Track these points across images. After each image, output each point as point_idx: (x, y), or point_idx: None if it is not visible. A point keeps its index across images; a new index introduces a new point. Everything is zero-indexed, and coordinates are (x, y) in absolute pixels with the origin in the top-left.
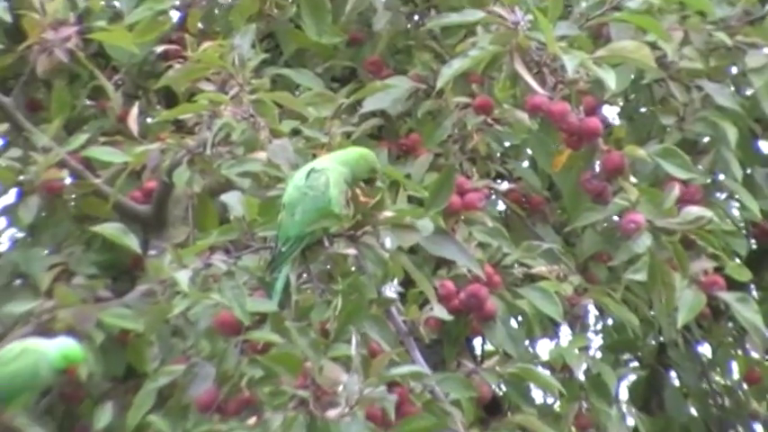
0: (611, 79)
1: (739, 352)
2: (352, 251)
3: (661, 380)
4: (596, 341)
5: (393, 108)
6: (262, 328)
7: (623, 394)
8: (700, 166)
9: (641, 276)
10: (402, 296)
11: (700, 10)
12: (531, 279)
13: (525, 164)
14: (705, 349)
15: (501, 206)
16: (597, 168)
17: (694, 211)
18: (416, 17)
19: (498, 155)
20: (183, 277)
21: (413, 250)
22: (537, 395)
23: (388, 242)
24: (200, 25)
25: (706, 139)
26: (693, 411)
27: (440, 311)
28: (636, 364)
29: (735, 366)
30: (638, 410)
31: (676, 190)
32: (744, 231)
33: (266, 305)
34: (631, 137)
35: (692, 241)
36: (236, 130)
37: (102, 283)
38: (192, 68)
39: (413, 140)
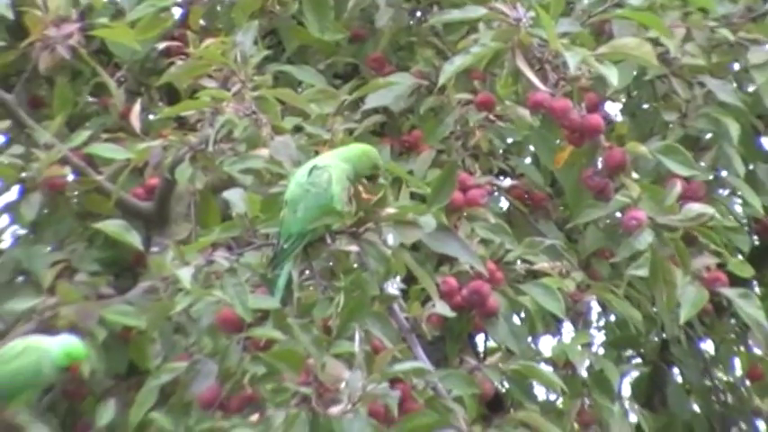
0: (613, 76)
1: (742, 348)
2: (354, 248)
3: (664, 376)
4: (599, 338)
5: (395, 105)
6: (264, 325)
7: (626, 391)
8: (702, 163)
9: (643, 272)
10: (404, 293)
11: (702, 7)
12: (534, 275)
13: (528, 160)
14: (708, 346)
15: (504, 203)
16: (599, 165)
17: (696, 208)
18: (419, 14)
19: (501, 151)
20: (185, 274)
21: (415, 247)
22: (539, 392)
23: (390, 239)
24: (202, 22)
25: (708, 136)
26: (696, 408)
27: (442, 308)
28: (638, 360)
29: (737, 363)
30: (640, 407)
31: (678, 187)
32: (746, 228)
33: (268, 302)
34: (634, 133)
35: (695, 238)
36: (238, 127)
37: (104, 280)
38: (194, 65)
39: (415, 137)
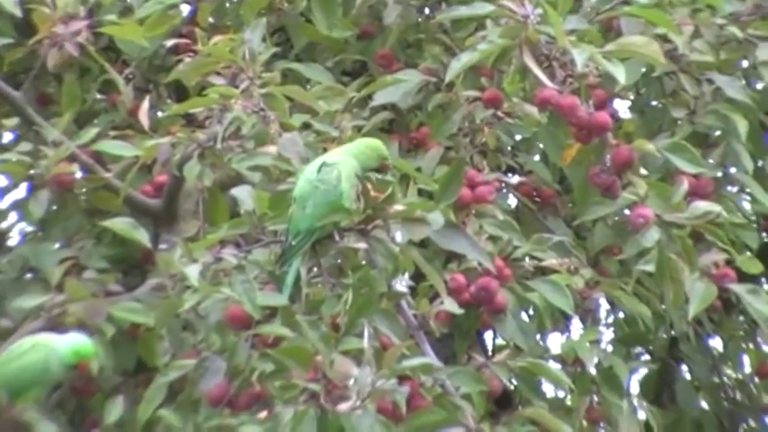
0: (620, 73)
1: (750, 345)
2: (362, 245)
3: (672, 373)
4: (607, 335)
5: (403, 101)
6: (272, 322)
7: (634, 388)
8: (710, 160)
9: (651, 267)
10: (412, 290)
11: (710, 4)
12: (542, 272)
13: (536, 157)
14: (716, 343)
15: (512, 200)
16: (607, 162)
17: (703, 205)
18: (427, 10)
19: (509, 148)
20: (193, 271)
21: (423, 244)
22: (548, 389)
23: (398, 236)
24: (210, 19)
25: (717, 133)
26: (705, 405)
27: (450, 305)
28: (647, 357)
29: (746, 360)
30: (649, 404)
31: (685, 184)
32: (754, 224)
33: (277, 299)
34: (642, 130)
35: (703, 234)
36: (246, 124)
37: (112, 278)
38: (202, 62)
39: (423, 134)
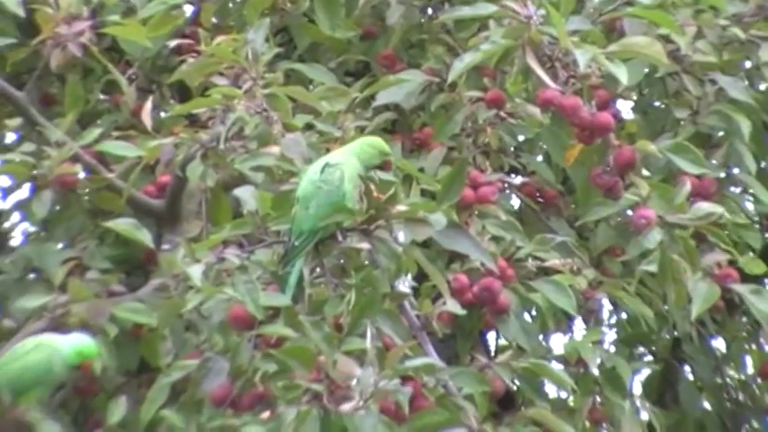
0: (622, 74)
1: (753, 346)
2: (365, 245)
3: (675, 374)
4: (610, 335)
5: (406, 102)
6: (275, 323)
7: (637, 389)
8: (713, 160)
9: (654, 268)
10: (415, 290)
11: (713, 5)
12: (545, 272)
13: (539, 158)
14: (719, 343)
15: (515, 200)
16: (610, 163)
17: (705, 206)
18: (430, 11)
19: (512, 149)
20: (196, 272)
21: (426, 244)
22: (551, 389)
23: (401, 236)
24: (213, 19)
25: (720, 133)
26: (707, 405)
27: (453, 305)
28: (650, 358)
29: (749, 361)
30: (652, 405)
31: (687, 185)
32: (758, 225)
33: (279, 299)
34: (645, 130)
35: (706, 235)
36: (249, 125)
37: (115, 278)
38: (205, 63)
39: (426, 134)
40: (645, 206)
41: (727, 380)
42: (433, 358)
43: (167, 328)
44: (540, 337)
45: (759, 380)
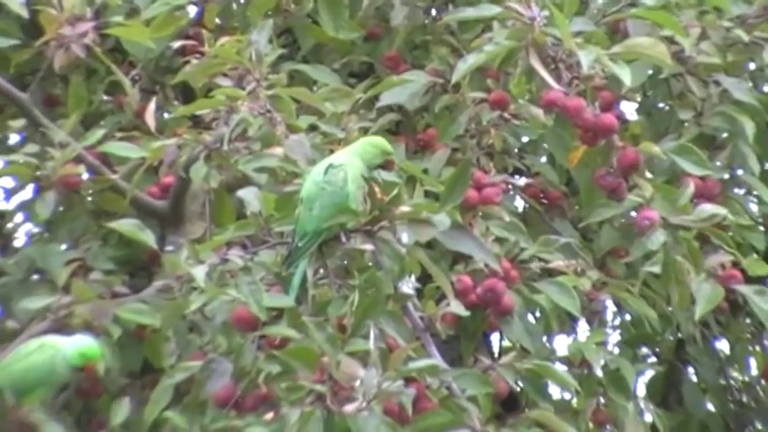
0: (625, 75)
1: (757, 348)
2: (368, 246)
3: (679, 375)
4: (614, 337)
5: (410, 103)
6: (278, 324)
7: (641, 390)
8: (717, 162)
9: (657, 269)
10: (419, 291)
11: (716, 6)
12: (549, 274)
13: (543, 159)
14: (723, 345)
15: (519, 201)
16: (614, 164)
17: (708, 208)
18: (434, 12)
19: (516, 150)
20: (199, 273)
21: (430, 245)
22: (554, 391)
23: (404, 237)
24: (217, 20)
25: (724, 135)
26: (711, 407)
27: (457, 307)
28: (654, 359)
29: (753, 362)
30: (655, 406)
31: (691, 187)
32: (761, 226)
33: (283, 300)
34: (649, 132)
35: (710, 236)
36: (252, 126)
37: (119, 279)
38: (209, 64)
39: (430, 135)
40: (648, 207)
41: (731, 381)
42: (437, 359)
43: (171, 330)
44: (544, 338)
45: (763, 381)
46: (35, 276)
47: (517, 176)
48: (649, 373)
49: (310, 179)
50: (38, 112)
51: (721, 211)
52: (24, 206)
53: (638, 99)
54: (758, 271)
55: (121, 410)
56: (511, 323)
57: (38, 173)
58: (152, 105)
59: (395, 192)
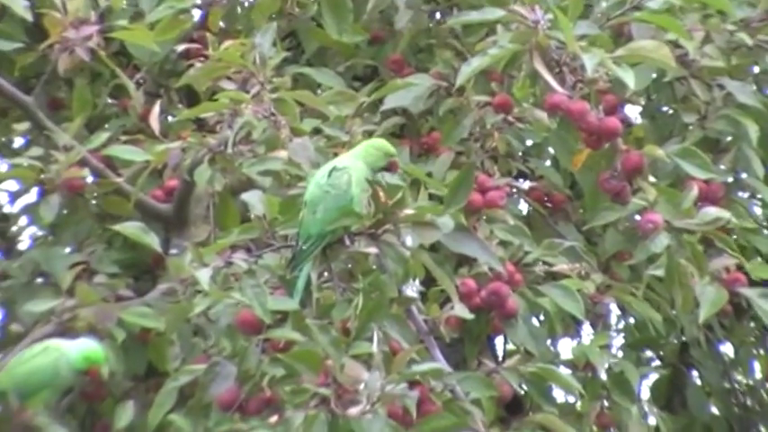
0: (629, 78)
1: (761, 351)
2: (373, 249)
3: (683, 379)
4: (618, 340)
5: (414, 106)
6: (283, 327)
7: (645, 393)
8: (721, 165)
9: (661, 272)
10: (423, 295)
11: (720, 9)
12: (553, 277)
13: (547, 162)
14: (727, 348)
15: (523, 205)
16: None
17: (712, 211)
18: (438, 15)
19: (520, 153)
20: (203, 276)
21: (434, 248)
22: (558, 394)
23: (408, 240)
24: (221, 24)
25: (728, 138)
26: (715, 410)
27: (461, 310)
28: (658, 362)
29: (757, 366)
30: (659, 409)
31: (694, 190)
32: (766, 229)
33: (287, 304)
34: (653, 135)
35: (713, 239)
36: (257, 129)
37: (123, 282)
38: (213, 67)
39: (434, 139)
40: (652, 211)
41: (735, 385)
42: (441, 363)
43: (175, 333)
44: (548, 341)
45: (767, 384)
46: (39, 279)
47: (521, 180)
48: (653, 377)
49: (314, 182)
50: (42, 116)
51: (725, 214)
52: (28, 209)
53: (642, 102)
54: (762, 274)
55: (125, 414)
56: (515, 326)
57: (42, 176)
58: (156, 108)
59: (399, 195)
